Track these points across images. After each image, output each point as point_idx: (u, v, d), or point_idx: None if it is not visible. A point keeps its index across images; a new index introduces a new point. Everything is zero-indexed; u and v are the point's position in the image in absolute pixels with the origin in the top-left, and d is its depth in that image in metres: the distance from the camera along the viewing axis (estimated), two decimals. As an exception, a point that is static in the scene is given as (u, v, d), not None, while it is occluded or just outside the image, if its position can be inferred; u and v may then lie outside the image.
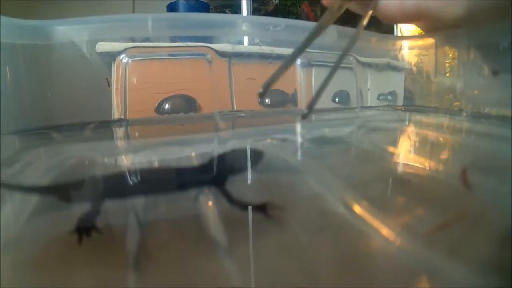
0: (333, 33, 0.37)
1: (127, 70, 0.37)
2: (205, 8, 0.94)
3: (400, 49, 0.50)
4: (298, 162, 0.30)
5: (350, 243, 0.17)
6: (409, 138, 0.40)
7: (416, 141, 0.39)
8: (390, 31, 1.00)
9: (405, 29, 0.97)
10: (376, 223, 0.18)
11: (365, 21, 0.23)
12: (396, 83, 0.52)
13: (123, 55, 0.37)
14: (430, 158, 0.32)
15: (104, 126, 0.37)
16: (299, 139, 0.38)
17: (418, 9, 0.22)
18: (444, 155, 0.34)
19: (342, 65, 0.46)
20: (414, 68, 0.50)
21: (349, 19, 0.24)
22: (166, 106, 0.40)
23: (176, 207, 0.21)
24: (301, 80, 0.45)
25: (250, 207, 0.20)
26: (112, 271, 0.14)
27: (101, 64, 0.36)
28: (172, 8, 0.88)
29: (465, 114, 0.41)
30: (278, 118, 0.46)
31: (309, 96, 0.46)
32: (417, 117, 0.49)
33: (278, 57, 0.43)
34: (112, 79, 0.37)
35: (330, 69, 0.22)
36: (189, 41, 0.40)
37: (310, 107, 0.21)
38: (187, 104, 0.41)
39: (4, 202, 0.20)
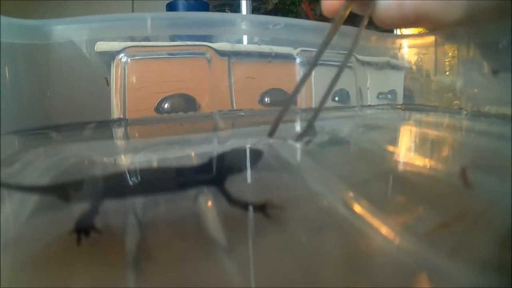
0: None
1: (126, 70, 0.37)
2: (205, 7, 0.94)
3: (399, 48, 0.50)
4: (298, 162, 0.30)
5: (350, 243, 0.17)
6: (409, 137, 0.40)
7: (416, 140, 0.38)
8: (390, 30, 1.00)
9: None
10: (376, 222, 0.18)
11: (365, 21, 0.23)
12: (396, 81, 0.52)
13: (122, 55, 0.37)
14: (430, 157, 0.32)
15: (103, 126, 0.37)
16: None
17: (417, 13, 0.22)
18: (444, 154, 0.34)
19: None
20: (414, 67, 0.50)
21: (347, 18, 0.24)
22: (166, 106, 0.40)
23: (175, 207, 0.21)
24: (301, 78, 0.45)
25: (249, 207, 0.20)
26: (112, 271, 0.14)
27: (100, 63, 0.36)
28: (171, 7, 0.88)
29: (465, 112, 0.41)
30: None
31: (309, 94, 0.46)
32: (417, 115, 0.49)
33: (278, 56, 0.43)
34: (111, 78, 0.37)
35: (332, 78, 0.22)
36: (189, 40, 0.40)
37: (304, 131, 0.21)
38: (187, 103, 0.41)
39: (4, 202, 0.20)
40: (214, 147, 0.33)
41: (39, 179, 0.24)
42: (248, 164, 0.26)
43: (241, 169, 0.25)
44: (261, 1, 1.11)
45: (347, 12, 0.24)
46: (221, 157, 0.27)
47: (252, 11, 0.92)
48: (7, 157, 0.27)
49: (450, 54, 0.44)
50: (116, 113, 0.37)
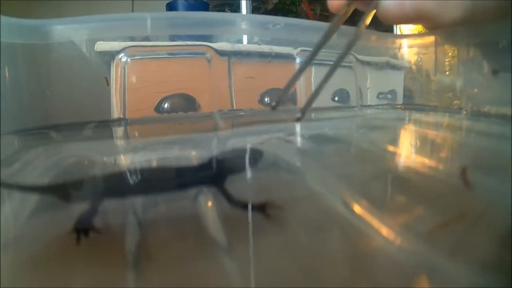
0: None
1: (126, 69, 0.37)
2: (205, 7, 0.94)
3: (399, 48, 0.50)
4: (298, 162, 0.30)
5: (350, 243, 0.17)
6: (409, 136, 0.40)
7: (416, 139, 0.38)
8: (390, 29, 1.00)
9: (404, 27, 0.97)
10: (376, 222, 0.18)
11: (367, 21, 0.23)
12: (396, 81, 0.52)
13: (122, 54, 0.37)
14: (430, 157, 0.32)
15: (103, 126, 0.37)
16: (299, 138, 0.38)
17: (417, 11, 0.22)
18: (444, 154, 0.34)
19: (341, 63, 0.47)
20: (414, 67, 0.50)
21: (348, 18, 0.24)
22: (166, 105, 0.40)
23: (175, 207, 0.21)
24: (301, 79, 0.45)
25: (249, 206, 0.20)
26: (111, 271, 0.14)
27: (100, 63, 0.36)
28: (171, 7, 0.88)
29: (465, 112, 0.41)
30: (277, 117, 0.46)
31: (309, 95, 0.46)
32: (417, 115, 0.49)
33: (278, 55, 0.43)
34: (111, 78, 0.37)
35: (329, 68, 0.22)
36: (188, 40, 0.40)
37: (304, 110, 0.21)
38: (187, 103, 0.41)
39: (4, 202, 0.20)
40: (214, 147, 0.33)
41: (39, 179, 0.24)
42: (248, 164, 0.26)
43: (241, 169, 0.25)
44: (261, 1, 1.11)
45: (351, 10, 0.24)
46: (221, 157, 0.27)
47: (252, 11, 0.92)
48: (7, 157, 0.27)
49: (450, 54, 0.44)
50: (116, 113, 0.37)
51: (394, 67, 0.51)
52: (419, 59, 0.49)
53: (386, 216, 0.19)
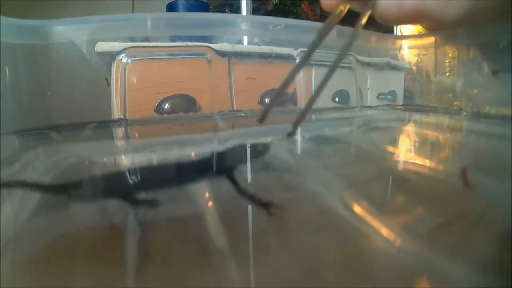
0: (332, 33, 0.37)
1: (126, 70, 0.37)
2: (205, 8, 0.94)
3: (399, 49, 0.50)
4: (298, 162, 0.30)
5: (350, 243, 0.17)
6: (409, 137, 0.40)
7: (416, 140, 0.39)
8: (390, 30, 1.00)
9: (405, 28, 0.97)
10: (376, 222, 0.18)
11: (363, 20, 0.23)
12: (396, 82, 0.52)
13: (122, 55, 0.37)
14: (430, 157, 0.32)
15: (103, 126, 0.37)
16: (299, 139, 0.38)
17: (416, 10, 0.22)
18: (444, 155, 0.34)
19: (341, 64, 0.47)
20: (414, 68, 0.50)
21: (347, 18, 0.24)
22: (166, 106, 0.40)
23: (175, 207, 0.21)
24: (301, 79, 0.45)
25: (256, 199, 0.20)
26: (112, 271, 0.14)
27: (100, 64, 0.36)
28: (171, 7, 0.88)
29: (465, 113, 0.41)
30: (277, 117, 0.46)
31: (309, 95, 0.46)
32: (417, 116, 0.49)
33: (278, 56, 0.43)
34: (111, 79, 0.37)
35: (327, 71, 0.22)
36: (189, 41, 0.40)
37: (296, 125, 0.21)
38: (187, 103, 0.41)
39: (4, 202, 0.20)
40: (214, 148, 0.33)
41: (39, 179, 0.24)
42: (247, 157, 0.28)
43: (249, 159, 0.27)
44: (261, 1, 1.11)
45: (346, 9, 0.24)
46: (231, 149, 0.30)
47: (252, 11, 0.92)
48: (7, 157, 0.27)
49: (450, 54, 0.44)
50: (116, 114, 0.37)
51: (394, 68, 0.51)
52: (419, 60, 0.49)
53: (386, 217, 0.19)
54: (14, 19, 0.30)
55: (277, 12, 1.10)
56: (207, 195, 0.22)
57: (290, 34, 0.41)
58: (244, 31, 0.41)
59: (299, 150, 0.34)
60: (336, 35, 0.36)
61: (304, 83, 0.45)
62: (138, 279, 0.14)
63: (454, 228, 0.17)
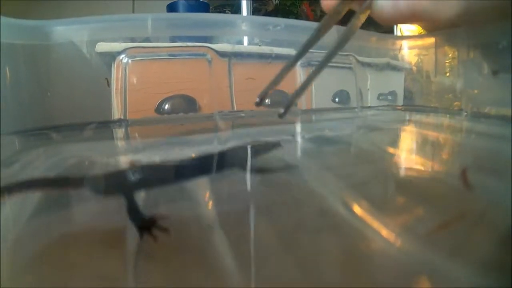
0: (333, 33, 0.37)
1: (127, 70, 0.37)
2: (205, 8, 0.94)
3: (400, 49, 0.50)
4: (299, 162, 0.30)
5: (350, 243, 0.17)
6: (409, 138, 0.40)
7: (416, 141, 0.39)
8: (390, 30, 1.00)
9: (405, 29, 0.97)
10: (376, 223, 0.18)
11: (362, 20, 0.23)
12: (396, 83, 0.52)
13: (123, 55, 0.37)
14: (430, 158, 0.32)
15: (104, 126, 0.37)
16: (299, 139, 0.38)
17: (412, 10, 0.22)
18: (444, 155, 0.34)
19: (341, 65, 0.47)
20: (414, 68, 0.50)
21: (349, 19, 0.24)
22: (166, 106, 0.40)
23: (175, 207, 0.21)
24: (301, 80, 0.45)
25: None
26: (112, 271, 0.14)
27: (100, 64, 0.36)
28: (171, 8, 0.88)
29: (465, 113, 0.41)
30: (278, 118, 0.46)
31: (309, 96, 0.46)
32: (417, 117, 0.49)
33: (278, 57, 0.43)
34: (112, 79, 0.37)
35: (316, 66, 0.22)
36: (189, 41, 0.40)
37: (287, 106, 0.21)
38: (187, 104, 0.41)
39: (4, 202, 0.20)
40: (214, 148, 0.33)
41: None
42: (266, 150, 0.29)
43: (261, 153, 0.29)
44: (262, 2, 1.11)
45: (345, 9, 0.24)
46: (245, 146, 0.32)
47: (252, 12, 0.92)
48: (7, 158, 0.27)
49: (450, 55, 0.44)
50: (116, 114, 0.37)
51: (395, 68, 0.51)
52: (419, 60, 0.49)
53: (386, 217, 0.19)
54: (14, 19, 0.30)
55: (277, 12, 1.10)
56: (207, 195, 0.22)
57: (290, 35, 0.41)
58: (244, 31, 0.41)
59: (299, 151, 0.34)
60: (337, 35, 0.36)
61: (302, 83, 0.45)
62: (138, 279, 0.14)
63: (454, 228, 0.17)
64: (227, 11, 1.11)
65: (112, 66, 0.37)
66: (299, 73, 0.45)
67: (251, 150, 0.30)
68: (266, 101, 0.45)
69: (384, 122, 0.49)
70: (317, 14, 1.10)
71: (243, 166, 0.26)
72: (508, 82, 0.33)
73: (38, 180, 0.23)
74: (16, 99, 0.32)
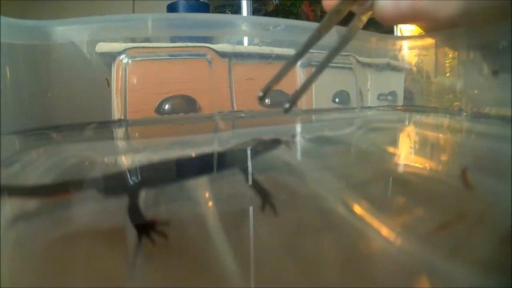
0: (333, 34, 0.37)
1: (127, 71, 0.37)
2: (205, 8, 0.94)
3: (400, 49, 0.50)
4: (299, 162, 0.30)
5: (350, 243, 0.17)
6: (409, 138, 0.40)
7: (416, 141, 0.39)
8: (390, 31, 1.00)
9: (405, 29, 0.97)
10: (376, 223, 0.18)
11: (361, 21, 0.24)
12: (396, 83, 0.52)
13: (123, 56, 0.37)
14: (430, 158, 0.32)
15: (104, 127, 0.37)
16: (299, 139, 0.38)
17: (412, 9, 0.22)
18: (444, 155, 0.34)
19: (342, 65, 0.47)
20: (414, 68, 0.50)
21: (349, 19, 0.24)
22: (166, 107, 0.40)
23: (176, 207, 0.21)
24: (301, 80, 0.45)
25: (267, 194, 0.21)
26: (112, 271, 0.14)
27: (101, 64, 0.36)
28: (172, 8, 0.88)
29: (465, 114, 0.41)
30: (278, 118, 0.46)
31: (309, 96, 0.46)
32: (417, 117, 0.49)
33: (278, 57, 0.43)
34: (112, 79, 0.37)
35: (318, 65, 0.22)
36: (189, 41, 0.40)
37: (292, 101, 0.21)
38: (187, 104, 0.41)
39: (4, 202, 0.20)
40: (214, 148, 0.33)
41: (40, 179, 0.24)
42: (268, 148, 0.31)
43: (263, 152, 0.30)
44: (262, 2, 1.11)
45: (346, 9, 0.24)
46: (247, 145, 0.32)
47: (252, 12, 0.92)
48: (7, 158, 0.27)
49: (450, 55, 0.44)
50: (116, 114, 0.37)
51: (395, 68, 0.51)
52: (419, 60, 0.49)
53: (386, 217, 0.19)
54: (14, 19, 0.30)
55: (277, 12, 1.10)
56: (207, 195, 0.22)
57: (291, 35, 0.41)
58: (244, 31, 0.41)
59: (299, 151, 0.34)
60: (337, 36, 0.36)
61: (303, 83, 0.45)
62: (138, 278, 0.14)
63: (454, 228, 0.17)
64: (227, 11, 1.11)
65: (112, 66, 0.37)
66: (299, 73, 0.45)
67: (252, 149, 0.30)
68: (266, 101, 0.46)
69: (384, 122, 0.49)
70: (317, 14, 1.10)
71: (244, 165, 0.27)
72: (508, 82, 0.33)
73: (37, 187, 0.23)
74: (16, 99, 0.32)
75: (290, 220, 0.19)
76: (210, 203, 0.21)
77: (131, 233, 0.17)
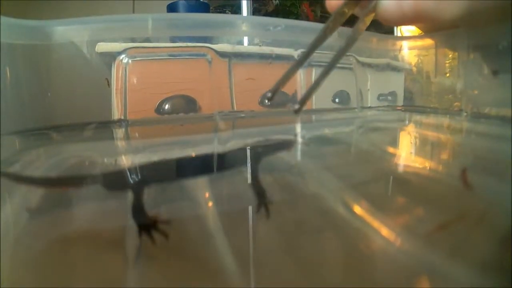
0: (333, 34, 0.37)
1: (127, 71, 0.37)
2: (205, 8, 0.94)
3: (400, 50, 0.50)
4: (298, 162, 0.30)
5: (350, 244, 0.17)
6: (409, 138, 0.40)
7: (416, 141, 0.39)
8: (390, 31, 1.00)
9: (405, 29, 0.97)
10: (376, 223, 0.18)
11: (367, 21, 0.24)
12: (396, 83, 0.52)
13: (123, 56, 0.37)
14: (430, 158, 0.32)
15: (104, 127, 0.37)
16: (299, 139, 0.38)
17: (416, 11, 0.22)
18: (444, 155, 0.34)
19: (342, 65, 0.47)
20: (414, 68, 0.50)
21: (350, 20, 0.24)
22: (166, 107, 0.40)
23: (176, 207, 0.21)
24: (301, 80, 0.45)
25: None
26: (112, 271, 0.14)
27: (101, 64, 0.36)
28: (172, 8, 0.88)
29: (465, 114, 0.41)
30: (278, 118, 0.46)
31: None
32: (417, 117, 0.49)
33: (278, 57, 0.43)
34: (112, 79, 0.37)
35: (325, 67, 0.22)
36: (189, 41, 0.40)
37: (302, 102, 0.21)
38: (187, 104, 0.41)
39: (4, 202, 0.20)
40: (214, 148, 0.33)
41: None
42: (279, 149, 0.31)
43: (273, 152, 0.30)
44: (262, 2, 1.11)
45: (350, 10, 0.24)
46: (258, 144, 0.33)
47: (252, 12, 0.92)
48: (7, 158, 0.27)
49: (450, 55, 0.44)
50: (116, 114, 0.37)
51: (395, 68, 0.51)
52: (419, 60, 0.49)
53: (386, 217, 0.19)
54: (14, 19, 0.30)
55: (277, 13, 1.11)
56: (207, 195, 0.22)
57: (291, 35, 0.41)
58: (244, 31, 0.41)
59: (299, 151, 0.34)
60: (338, 36, 0.36)
61: (305, 84, 0.45)
62: (138, 279, 0.14)
63: (454, 228, 0.17)
64: (227, 11, 1.11)
65: (112, 66, 0.37)
66: (299, 73, 0.45)
67: (259, 150, 0.30)
68: (266, 101, 0.46)
69: (384, 123, 0.49)
70: (317, 15, 1.10)
71: (252, 166, 0.27)
72: (508, 83, 0.33)
73: (43, 179, 0.24)
74: (16, 99, 0.32)
75: (290, 220, 0.19)
76: (210, 203, 0.21)
77: (132, 232, 0.17)
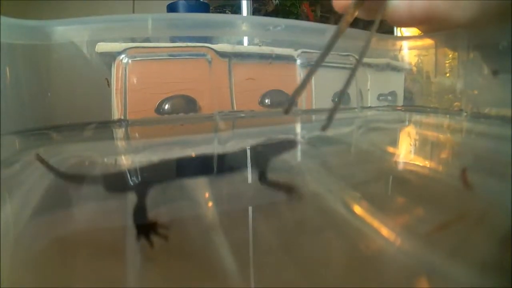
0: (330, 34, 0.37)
1: (127, 71, 0.37)
2: (205, 8, 0.94)
3: (400, 49, 0.50)
4: (299, 162, 0.30)
5: (350, 244, 0.17)
6: (409, 138, 0.40)
7: (416, 141, 0.39)
8: (390, 31, 1.00)
9: (405, 29, 0.97)
10: (376, 223, 0.18)
11: (376, 22, 0.23)
12: (396, 83, 0.52)
13: (123, 56, 0.37)
14: (430, 158, 0.32)
15: (104, 127, 0.37)
16: (299, 139, 0.38)
17: (427, 11, 0.22)
18: (444, 155, 0.34)
19: (342, 65, 0.47)
20: (414, 68, 0.50)
21: (337, 20, 0.24)
22: (166, 107, 0.40)
23: (175, 207, 0.21)
24: (297, 80, 0.45)
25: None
26: (112, 271, 0.14)
27: (101, 64, 0.36)
28: (172, 8, 0.88)
29: (465, 114, 0.41)
30: (278, 118, 0.46)
31: (309, 96, 0.46)
32: (417, 117, 0.49)
33: (278, 57, 0.43)
34: (112, 79, 0.37)
35: (350, 71, 0.22)
36: (189, 41, 0.40)
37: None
38: (187, 104, 0.41)
39: (4, 202, 0.20)
40: (214, 148, 0.33)
41: (40, 180, 0.24)
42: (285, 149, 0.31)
43: (280, 153, 0.30)
44: (262, 2, 1.12)
45: (356, 11, 0.24)
46: (263, 144, 0.33)
47: (252, 12, 0.92)
48: (7, 158, 0.27)
49: (450, 55, 0.44)
50: (116, 114, 0.37)
51: (395, 68, 0.51)
52: (419, 60, 0.49)
53: (386, 217, 0.19)
54: (14, 19, 0.30)
55: (277, 13, 1.11)
56: (207, 195, 0.22)
57: (291, 35, 0.41)
58: (244, 31, 0.41)
59: (299, 151, 0.34)
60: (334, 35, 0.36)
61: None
62: (138, 279, 0.14)
63: (454, 228, 0.17)
64: (227, 11, 1.11)
65: (112, 66, 0.37)
66: (299, 73, 0.45)
67: (266, 150, 0.31)
68: (266, 101, 0.46)
69: (384, 122, 0.49)
70: (317, 14, 1.10)
71: (263, 166, 0.27)
72: (508, 83, 0.33)
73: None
74: (16, 99, 0.32)
75: (290, 220, 0.19)
76: (210, 203, 0.21)
77: (132, 232, 0.17)
